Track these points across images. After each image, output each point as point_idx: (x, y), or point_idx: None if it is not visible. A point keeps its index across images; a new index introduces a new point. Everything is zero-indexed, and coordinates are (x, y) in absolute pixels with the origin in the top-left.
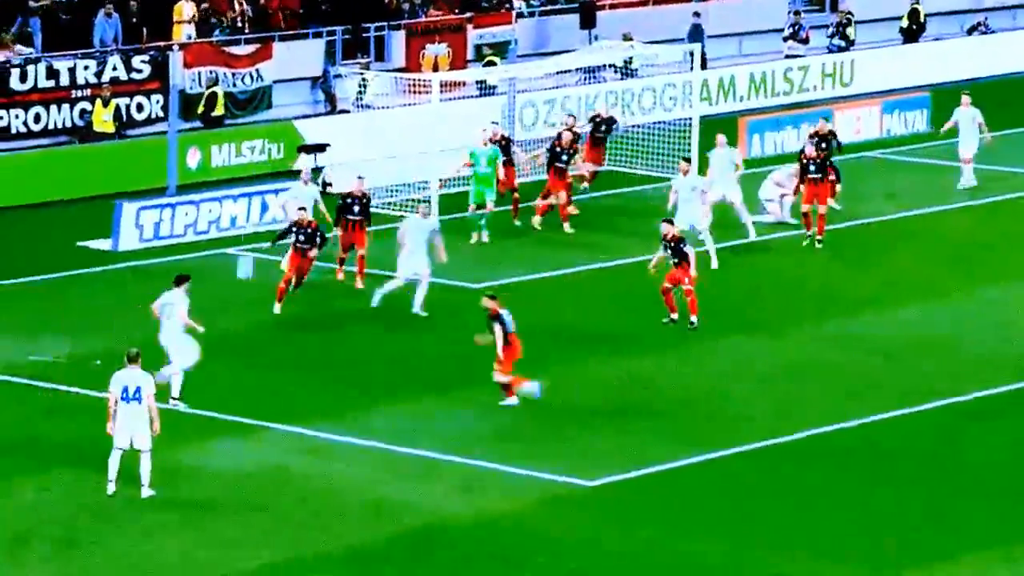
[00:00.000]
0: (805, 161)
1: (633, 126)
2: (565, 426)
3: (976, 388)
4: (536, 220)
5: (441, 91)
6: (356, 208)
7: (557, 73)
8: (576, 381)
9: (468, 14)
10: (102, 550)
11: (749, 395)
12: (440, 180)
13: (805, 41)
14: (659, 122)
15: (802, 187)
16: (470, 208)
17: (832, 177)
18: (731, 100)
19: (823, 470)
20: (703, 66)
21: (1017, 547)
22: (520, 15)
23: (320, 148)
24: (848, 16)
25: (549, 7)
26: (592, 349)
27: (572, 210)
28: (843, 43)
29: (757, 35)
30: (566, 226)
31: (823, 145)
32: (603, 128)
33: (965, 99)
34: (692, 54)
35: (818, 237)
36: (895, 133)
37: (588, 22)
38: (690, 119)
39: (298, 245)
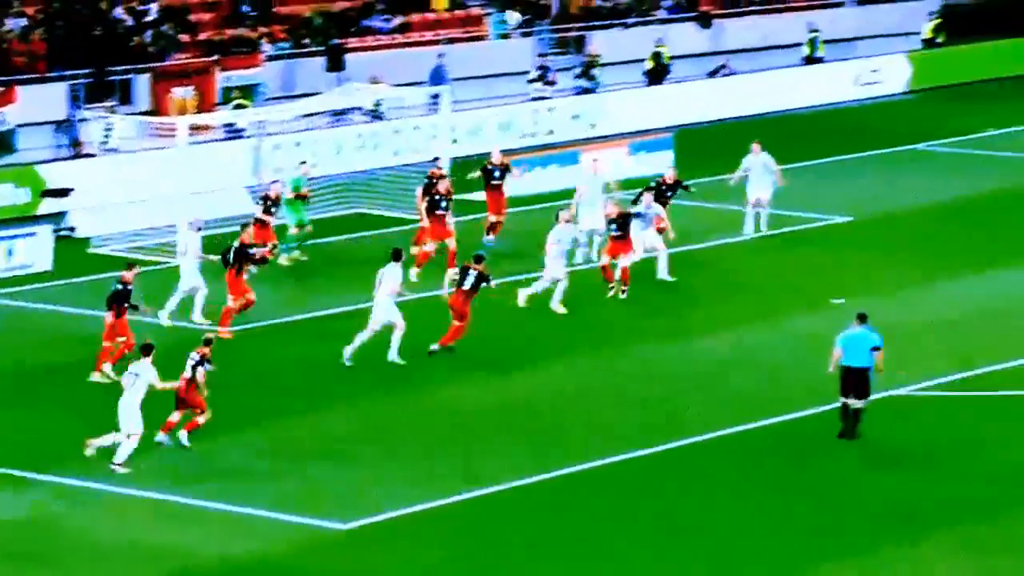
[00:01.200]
0: (615, 217)
1: (380, 168)
2: (318, 467)
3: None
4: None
5: (188, 134)
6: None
7: (306, 116)
8: (317, 422)
9: (215, 57)
10: None
11: (494, 434)
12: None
13: (552, 83)
14: (407, 164)
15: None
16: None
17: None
18: (479, 142)
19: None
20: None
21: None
22: (268, 58)
23: (63, 192)
24: (594, 58)
25: (297, 50)
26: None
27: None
28: (589, 85)
29: (504, 77)
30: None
31: (669, 194)
32: (498, 175)
33: (755, 147)
34: (438, 96)
35: (623, 288)
36: (641, 173)
37: (336, 65)
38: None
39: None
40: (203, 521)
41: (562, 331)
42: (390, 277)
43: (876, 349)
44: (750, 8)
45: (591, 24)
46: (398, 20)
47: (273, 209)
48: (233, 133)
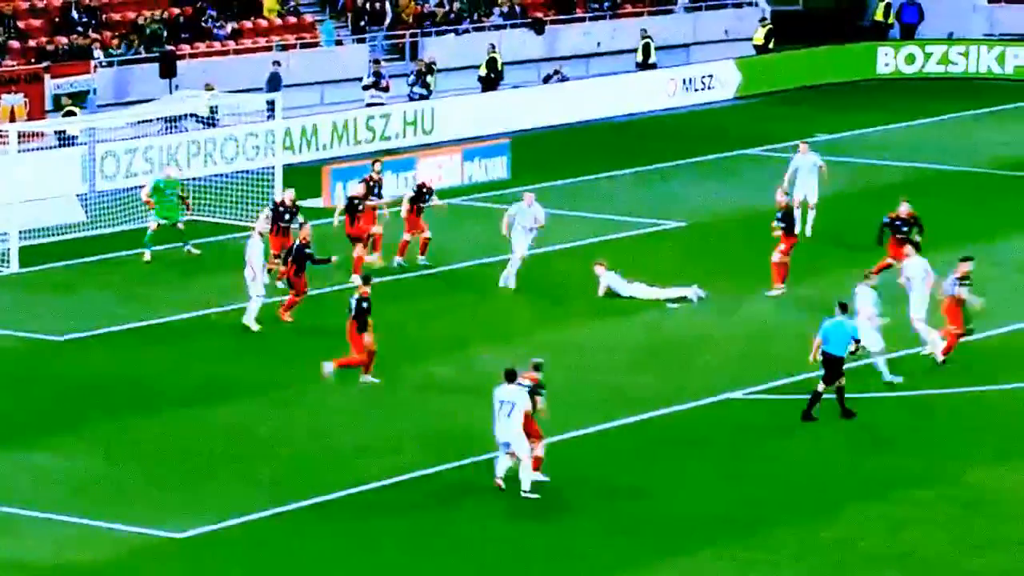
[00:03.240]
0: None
1: (215, 175)
2: (150, 477)
3: None
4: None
5: (19, 141)
6: None
7: (139, 123)
8: (156, 431)
9: (45, 63)
10: None
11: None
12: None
13: (386, 90)
14: (242, 171)
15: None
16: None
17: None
18: (314, 149)
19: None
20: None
21: None
22: (100, 64)
23: None
24: (429, 65)
25: (129, 56)
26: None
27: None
28: (424, 91)
29: (339, 84)
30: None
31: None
32: (427, 197)
33: (803, 146)
34: (273, 103)
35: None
36: (476, 180)
37: (169, 72)
38: (272, 168)
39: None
40: (36, 529)
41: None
42: None
43: (855, 340)
44: (583, 15)
45: (425, 30)
46: (231, 27)
47: (287, 216)
48: (64, 140)
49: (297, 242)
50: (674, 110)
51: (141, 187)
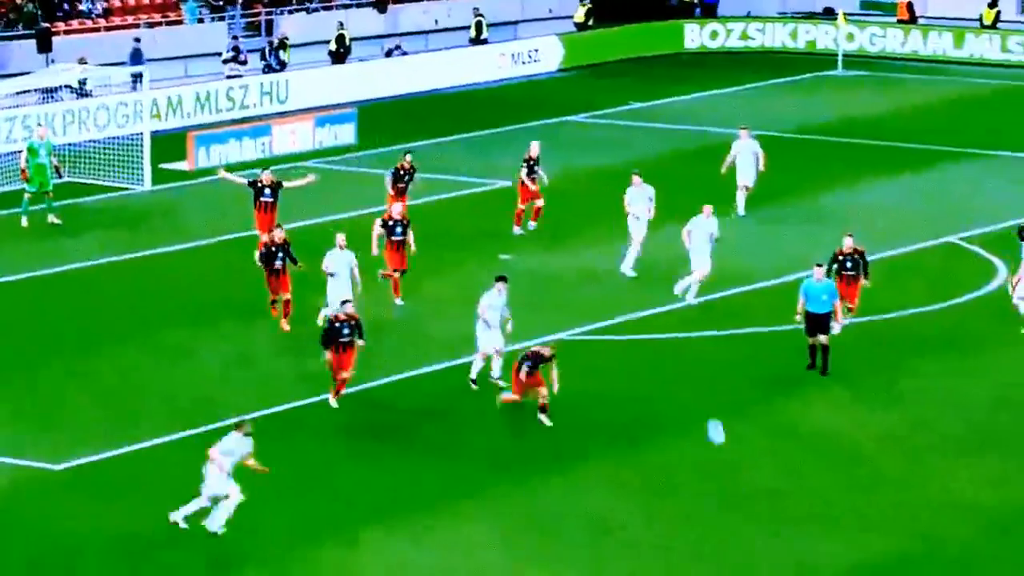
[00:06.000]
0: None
1: (89, 142)
2: (27, 410)
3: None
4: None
5: None
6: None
7: (17, 94)
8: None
9: None
10: None
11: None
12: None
13: (244, 63)
14: (114, 138)
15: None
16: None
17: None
18: (179, 117)
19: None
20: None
21: None
22: None
23: None
24: (283, 40)
25: (7, 32)
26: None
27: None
28: (278, 65)
29: (201, 58)
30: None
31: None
32: (406, 178)
33: (743, 132)
34: (140, 75)
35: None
36: (326, 145)
37: (45, 46)
38: (141, 134)
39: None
40: None
41: None
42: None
43: (832, 297)
44: None
45: (279, 8)
46: (102, 6)
47: (267, 191)
48: None
49: (276, 242)
50: (504, 81)
51: (19, 152)
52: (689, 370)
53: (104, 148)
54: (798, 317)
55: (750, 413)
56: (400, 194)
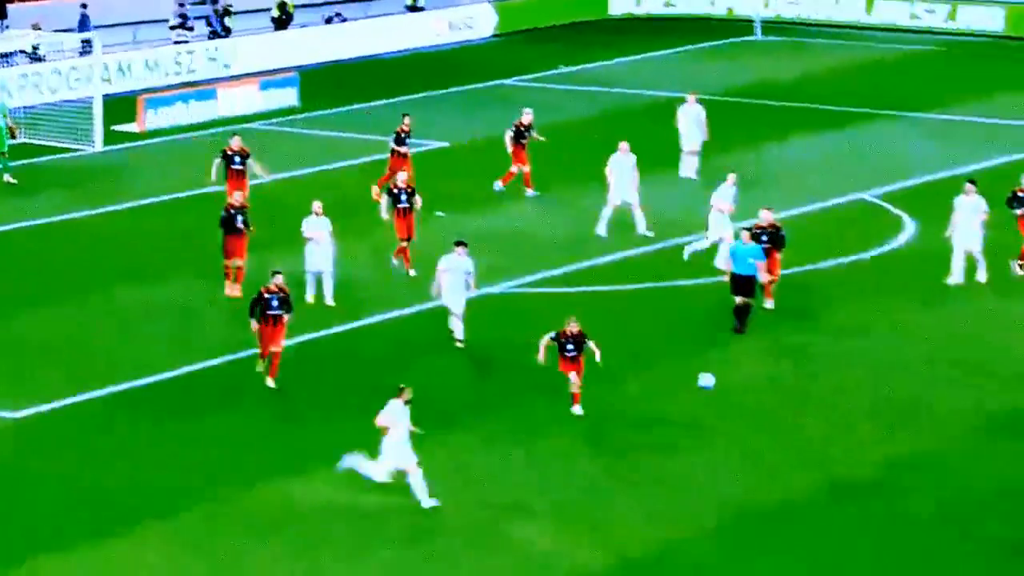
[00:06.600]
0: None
1: (43, 104)
2: None
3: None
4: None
5: None
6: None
7: None
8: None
9: None
10: None
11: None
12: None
13: (191, 29)
14: (67, 100)
15: None
16: None
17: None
18: (129, 81)
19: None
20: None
21: None
22: None
23: None
24: (227, 7)
25: None
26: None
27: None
28: (223, 31)
29: (149, 24)
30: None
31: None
32: (405, 142)
33: (691, 98)
34: (91, 41)
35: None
36: (270, 107)
37: (0, 14)
38: (92, 98)
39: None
40: None
41: None
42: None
43: (756, 260)
44: None
45: None
46: None
47: (237, 159)
48: None
49: (235, 205)
50: (440, 47)
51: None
52: (614, 321)
53: (58, 111)
54: (727, 278)
55: (664, 366)
56: (402, 158)
